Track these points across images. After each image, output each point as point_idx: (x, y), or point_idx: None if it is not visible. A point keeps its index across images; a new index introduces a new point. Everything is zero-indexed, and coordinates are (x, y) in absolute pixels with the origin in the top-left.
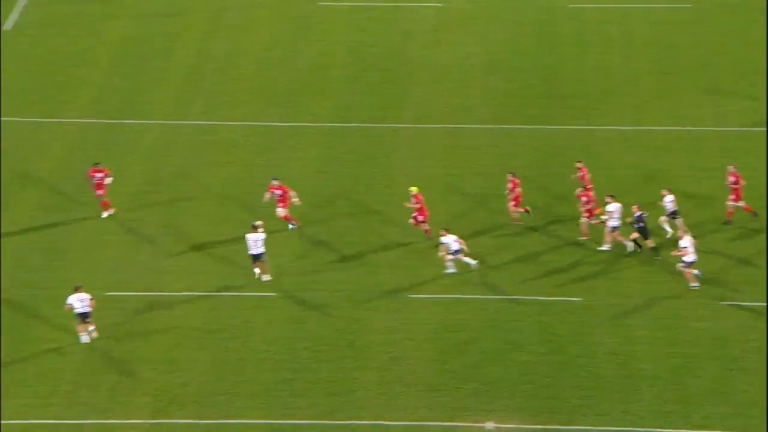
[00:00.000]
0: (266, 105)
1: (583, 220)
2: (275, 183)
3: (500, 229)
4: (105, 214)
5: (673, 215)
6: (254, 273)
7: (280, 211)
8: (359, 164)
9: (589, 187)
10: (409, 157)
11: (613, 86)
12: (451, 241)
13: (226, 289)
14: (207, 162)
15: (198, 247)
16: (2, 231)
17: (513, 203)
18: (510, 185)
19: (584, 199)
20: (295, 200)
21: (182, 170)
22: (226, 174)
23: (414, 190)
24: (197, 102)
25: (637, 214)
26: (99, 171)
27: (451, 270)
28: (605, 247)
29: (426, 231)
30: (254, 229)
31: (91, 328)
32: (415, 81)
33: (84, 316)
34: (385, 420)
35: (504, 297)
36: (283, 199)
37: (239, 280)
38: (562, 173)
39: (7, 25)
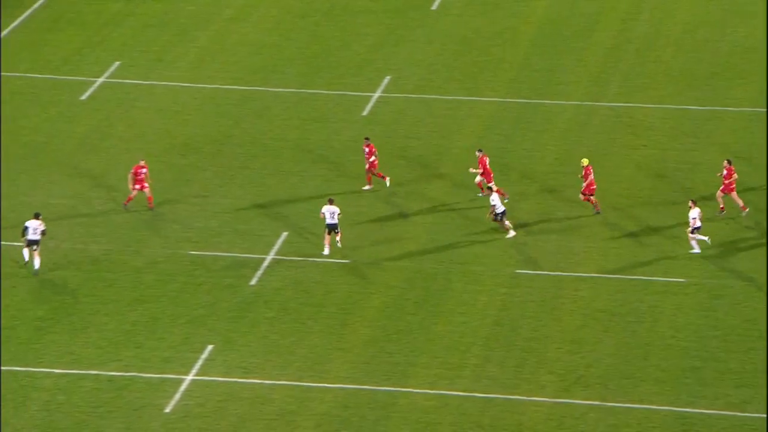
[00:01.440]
0: (684, 88)
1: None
2: (479, 154)
3: None
4: (366, 188)
5: None
6: None
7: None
8: None
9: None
10: None
11: None
12: (695, 215)
13: (635, 272)
14: (620, 144)
15: (611, 229)
16: (417, 205)
17: (723, 190)
18: (725, 172)
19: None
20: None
21: (595, 151)
22: (638, 157)
23: (585, 162)
24: (613, 83)
25: None
26: (368, 146)
27: (695, 250)
28: None
29: (594, 204)
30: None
31: (338, 238)
32: None
33: (332, 227)
34: None
35: None
36: (485, 171)
37: (648, 263)
38: None
39: (434, 5)
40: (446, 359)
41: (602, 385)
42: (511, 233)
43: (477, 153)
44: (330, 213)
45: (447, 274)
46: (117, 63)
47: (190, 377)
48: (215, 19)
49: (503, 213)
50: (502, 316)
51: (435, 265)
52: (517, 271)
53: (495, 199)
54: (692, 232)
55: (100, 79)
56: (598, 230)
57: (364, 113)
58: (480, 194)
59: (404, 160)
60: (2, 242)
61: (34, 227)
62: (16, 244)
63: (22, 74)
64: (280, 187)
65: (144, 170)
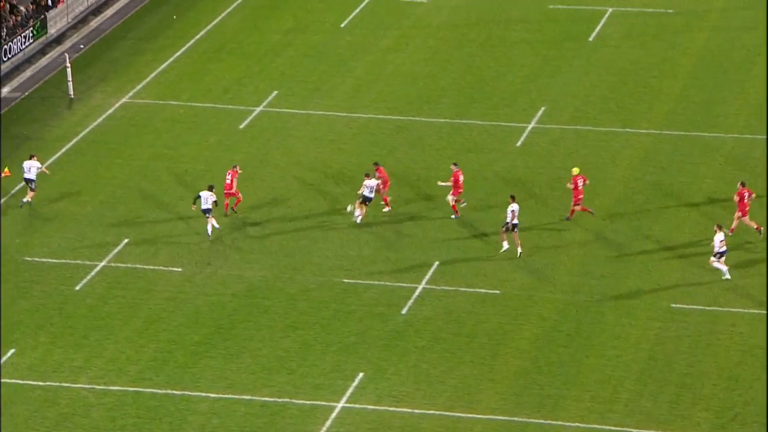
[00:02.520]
0: None
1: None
2: (454, 168)
3: None
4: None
5: None
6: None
7: (450, 198)
8: None
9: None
10: None
11: None
12: (721, 238)
13: None
14: None
15: None
16: (570, 236)
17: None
18: (738, 197)
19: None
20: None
21: (755, 184)
22: None
23: (575, 171)
24: None
25: None
26: (378, 170)
27: (726, 276)
28: None
29: (586, 210)
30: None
31: (363, 213)
32: None
33: (367, 200)
34: None
35: None
36: (456, 185)
37: None
38: None
39: (592, 36)
40: (598, 393)
41: (760, 423)
42: (519, 250)
43: (452, 167)
44: (369, 187)
45: (599, 306)
46: (275, 92)
47: (341, 404)
48: (372, 49)
49: (515, 225)
50: (655, 351)
51: (587, 297)
52: (672, 305)
53: (513, 208)
54: (716, 257)
55: (259, 108)
56: (758, 265)
57: (518, 144)
58: (453, 216)
59: (558, 191)
60: (151, 267)
61: (206, 197)
62: (160, 268)
63: (184, 103)
64: (432, 216)
65: (235, 177)
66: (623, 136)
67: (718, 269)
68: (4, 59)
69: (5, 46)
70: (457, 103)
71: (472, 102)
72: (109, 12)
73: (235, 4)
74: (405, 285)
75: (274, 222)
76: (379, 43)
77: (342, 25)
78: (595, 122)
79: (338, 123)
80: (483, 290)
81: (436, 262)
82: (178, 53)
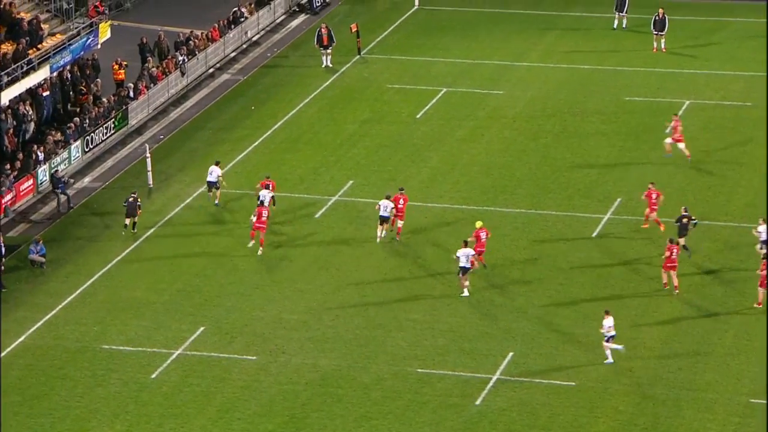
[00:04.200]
0: None
1: None
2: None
3: None
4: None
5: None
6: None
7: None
8: None
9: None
10: None
11: None
12: (606, 325)
13: None
14: None
15: None
16: (647, 329)
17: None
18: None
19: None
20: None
21: None
22: None
23: (479, 224)
24: None
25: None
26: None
27: (608, 360)
28: None
29: (481, 261)
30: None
31: (386, 230)
32: None
33: (384, 219)
34: None
35: None
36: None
37: None
38: None
39: (668, 128)
40: None
41: None
42: (465, 293)
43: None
44: (384, 206)
45: (677, 400)
46: (350, 182)
47: None
48: (447, 139)
49: (464, 269)
50: None
51: (665, 390)
52: (751, 400)
53: (460, 252)
54: (607, 341)
55: (334, 198)
56: None
57: (594, 235)
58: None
59: (634, 282)
60: (226, 355)
61: (263, 195)
62: (235, 356)
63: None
64: (507, 306)
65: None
66: (701, 228)
67: (614, 349)
68: (86, 150)
69: (87, 137)
70: (533, 193)
71: (547, 192)
72: (188, 103)
73: (312, 95)
74: (479, 375)
75: (348, 311)
76: (454, 134)
77: (418, 116)
78: (672, 214)
79: (413, 212)
80: (558, 382)
81: (511, 353)
82: (256, 143)
